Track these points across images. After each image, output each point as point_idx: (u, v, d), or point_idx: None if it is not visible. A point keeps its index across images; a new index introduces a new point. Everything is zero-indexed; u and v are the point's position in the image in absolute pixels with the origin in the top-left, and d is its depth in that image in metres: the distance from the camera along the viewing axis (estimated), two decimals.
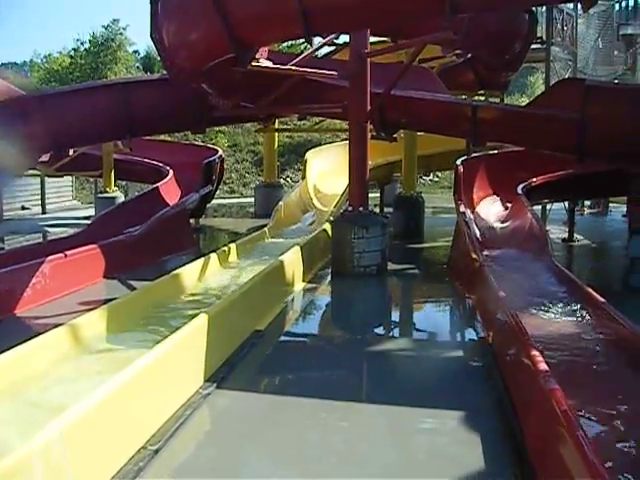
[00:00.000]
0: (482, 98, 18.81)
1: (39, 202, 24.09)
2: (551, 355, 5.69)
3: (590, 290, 7.92)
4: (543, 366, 5.02)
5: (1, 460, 3.60)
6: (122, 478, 4.46)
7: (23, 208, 23.43)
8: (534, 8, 14.78)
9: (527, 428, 5.00)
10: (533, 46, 16.79)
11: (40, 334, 6.59)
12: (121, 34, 42.01)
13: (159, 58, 12.09)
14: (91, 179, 26.60)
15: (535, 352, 5.32)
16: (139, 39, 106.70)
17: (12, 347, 6.02)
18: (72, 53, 42.73)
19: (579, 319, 7.43)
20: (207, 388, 6.17)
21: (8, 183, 19.63)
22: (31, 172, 18.51)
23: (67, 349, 6.65)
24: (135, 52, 47.95)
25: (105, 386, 4.78)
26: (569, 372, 5.66)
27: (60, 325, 6.91)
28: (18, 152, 13.91)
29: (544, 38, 18.26)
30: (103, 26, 41.93)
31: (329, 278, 11.65)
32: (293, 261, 10.79)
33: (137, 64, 45.48)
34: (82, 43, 41.96)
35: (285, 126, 28.61)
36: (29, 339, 6.32)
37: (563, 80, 16.37)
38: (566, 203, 16.40)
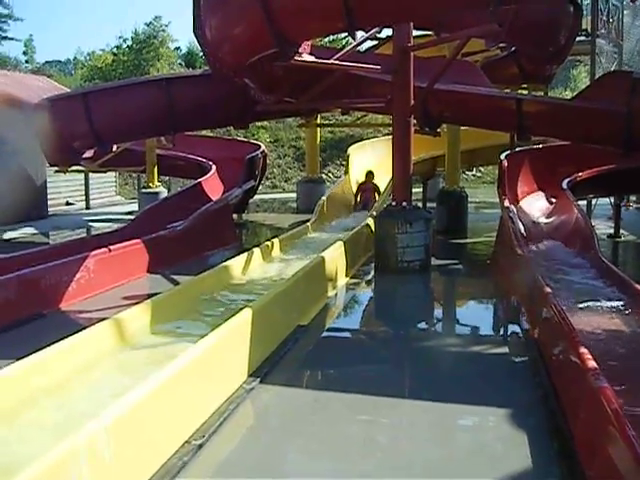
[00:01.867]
0: (525, 92, 18.59)
1: (83, 197, 24.34)
2: (600, 352, 5.58)
3: (638, 286, 7.78)
4: (592, 363, 4.93)
5: (47, 454, 3.62)
6: (166, 473, 4.47)
7: (67, 203, 23.70)
8: None
9: (575, 427, 4.91)
10: (578, 38, 16.57)
11: (85, 328, 6.64)
12: (163, 31, 42.44)
13: (201, 54, 12.16)
14: (134, 174, 26.90)
15: (583, 349, 5.22)
16: (181, 36, 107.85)
17: (57, 341, 6.07)
18: (115, 50, 43.26)
19: (627, 316, 7.29)
20: (251, 383, 6.16)
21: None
22: (75, 168, 18.67)
23: (111, 343, 6.69)
24: (177, 49, 48.47)
25: (149, 381, 4.79)
26: (618, 370, 5.55)
27: (104, 319, 6.96)
28: (62, 147, 14.09)
29: (589, 30, 18.03)
30: (145, 23, 42.45)
31: (372, 273, 11.61)
32: (336, 256, 10.76)
33: (179, 61, 45.88)
34: (125, 40, 42.49)
35: (327, 121, 28.58)
36: (74, 333, 6.37)
37: (610, 73, 16.14)
38: (612, 198, 16.16)
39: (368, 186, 17.90)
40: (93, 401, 5.30)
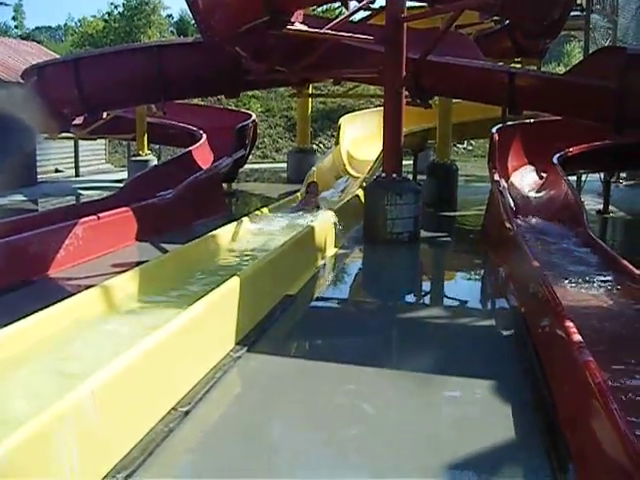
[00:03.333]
0: (519, 66, 18.55)
1: (72, 165, 24.22)
2: (585, 326, 5.61)
3: (625, 262, 7.82)
4: (577, 337, 4.96)
5: (34, 419, 3.63)
6: (153, 439, 4.49)
7: (57, 171, 23.58)
8: None
9: (559, 400, 4.96)
10: (572, 13, 16.51)
11: (73, 295, 6.64)
12: None
13: (193, 22, 12.08)
14: (124, 142, 26.74)
15: (569, 323, 5.26)
16: (173, 3, 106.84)
17: (45, 307, 6.07)
18: (106, 17, 42.90)
19: (614, 291, 7.34)
20: (238, 351, 6.18)
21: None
22: (64, 135, 18.58)
23: (99, 310, 6.69)
24: (169, 16, 48.21)
25: (136, 347, 4.80)
26: (603, 344, 5.58)
27: (92, 286, 6.95)
28: (51, 114, 14.01)
29: (584, 5, 17.97)
30: None
31: (361, 244, 11.62)
32: (325, 226, 10.76)
33: (171, 28, 45.61)
34: (116, 7, 42.21)
35: (319, 91, 28.45)
36: (62, 300, 6.37)
37: (603, 48, 16.14)
38: (602, 174, 16.18)
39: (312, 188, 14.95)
40: (76, 369, 5.29)
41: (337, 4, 20.10)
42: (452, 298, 9.15)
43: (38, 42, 33.11)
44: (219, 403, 5.23)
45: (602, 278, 7.75)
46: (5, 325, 5.51)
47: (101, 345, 5.93)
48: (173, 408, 4.93)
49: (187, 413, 4.91)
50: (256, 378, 5.88)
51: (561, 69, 35.10)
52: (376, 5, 15.78)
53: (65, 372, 5.24)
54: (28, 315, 5.75)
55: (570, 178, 12.64)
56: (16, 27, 49.73)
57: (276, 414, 5.14)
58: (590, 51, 16.91)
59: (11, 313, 6.00)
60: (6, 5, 47.21)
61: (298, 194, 14.77)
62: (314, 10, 24.69)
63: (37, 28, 55.65)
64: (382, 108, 12.51)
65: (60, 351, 5.66)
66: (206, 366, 5.69)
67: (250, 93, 31.56)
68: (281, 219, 12.35)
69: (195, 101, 22.88)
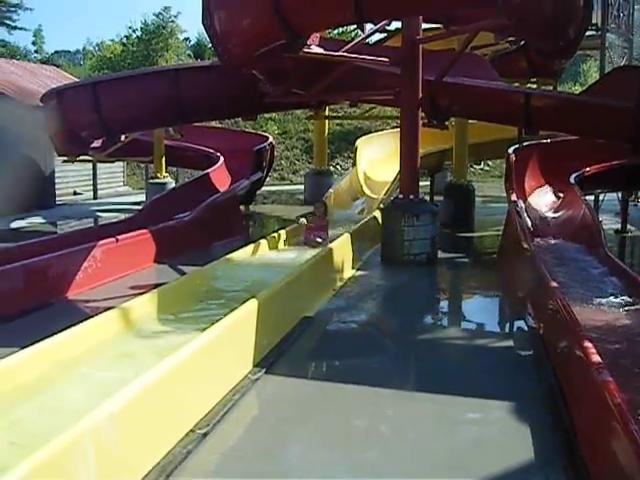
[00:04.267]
0: (534, 86, 18.55)
1: (91, 187, 24.37)
2: (604, 347, 5.58)
3: None
4: (596, 358, 4.93)
5: (53, 440, 3.65)
6: (170, 461, 4.50)
7: (75, 193, 23.73)
8: None
9: (578, 421, 4.93)
10: (588, 33, 16.51)
11: (91, 317, 6.68)
12: (172, 21, 42.47)
13: (210, 45, 12.17)
14: (142, 165, 26.91)
15: (588, 343, 5.23)
16: (190, 27, 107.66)
17: (63, 329, 6.10)
18: (124, 40, 43.23)
19: (633, 311, 7.30)
20: (256, 373, 6.19)
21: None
22: (83, 157, 18.73)
23: (118, 332, 6.72)
24: (186, 39, 48.44)
25: (155, 369, 4.82)
26: (622, 365, 5.55)
27: (111, 308, 6.99)
28: (70, 137, 14.13)
29: (599, 24, 17.95)
30: (155, 14, 42.38)
31: (378, 265, 11.61)
32: (343, 248, 10.78)
33: (188, 51, 45.88)
34: (134, 30, 42.54)
35: (335, 113, 28.55)
36: (80, 321, 6.40)
37: (619, 67, 16.10)
38: (619, 193, 16.12)
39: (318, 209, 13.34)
40: (95, 391, 5.32)
41: (353, 27, 20.22)
42: (470, 319, 9.13)
43: (57, 66, 33.49)
44: (237, 425, 5.24)
45: (621, 298, 7.71)
46: (24, 347, 5.56)
47: (118, 368, 5.95)
48: (191, 430, 4.94)
49: (205, 435, 4.91)
50: (274, 400, 5.88)
51: (577, 89, 35.01)
52: (392, 27, 15.88)
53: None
54: (46, 337, 5.79)
55: (587, 198, 12.61)
56: (36, 52, 50.29)
57: (293, 436, 5.14)
58: (606, 70, 16.91)
59: (29, 336, 6.04)
60: (26, 30, 47.82)
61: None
62: (330, 33, 24.81)
63: (56, 52, 56.18)
64: (398, 129, 12.54)
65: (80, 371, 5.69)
66: (224, 388, 5.70)
67: (267, 115, 31.65)
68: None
69: (212, 124, 23.00)
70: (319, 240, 12.08)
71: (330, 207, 15.92)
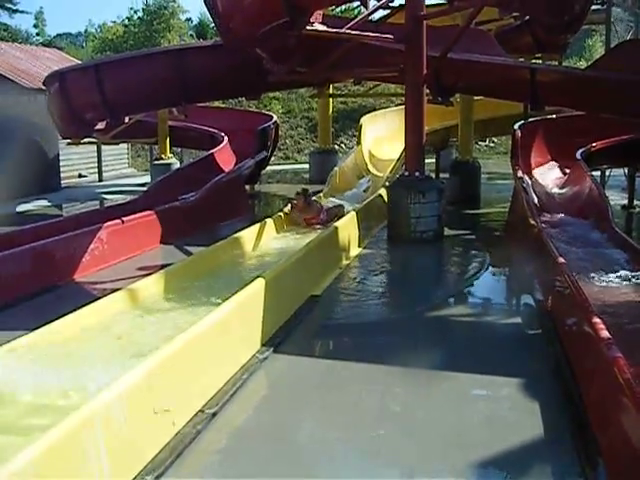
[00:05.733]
0: (540, 61, 18.42)
1: (96, 170, 24.33)
2: (613, 322, 5.56)
3: None
4: (605, 333, 4.92)
5: (64, 420, 3.66)
6: (180, 440, 4.51)
7: (80, 176, 23.69)
8: None
9: (588, 396, 4.92)
10: (593, 7, 16.37)
11: (98, 298, 6.69)
12: (174, 2, 42.14)
13: (212, 25, 12.12)
14: (146, 146, 26.84)
15: (597, 319, 5.21)
16: (192, 7, 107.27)
17: (70, 311, 6.11)
18: (126, 22, 43.05)
19: None
20: (264, 352, 6.19)
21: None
22: (87, 140, 18.69)
23: (125, 313, 6.73)
24: (188, 20, 48.18)
25: (163, 350, 4.83)
26: (632, 340, 5.54)
27: (118, 289, 6.99)
28: (74, 119, 14.09)
29: None
30: None
31: (385, 243, 11.59)
32: (349, 226, 10.76)
33: (190, 32, 45.65)
34: (135, 12, 42.34)
35: (339, 91, 28.42)
36: (87, 303, 6.42)
37: (626, 41, 15.97)
38: (626, 169, 16.03)
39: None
40: (104, 370, 5.33)
41: (356, 3, 20.11)
42: (478, 297, 9.11)
43: (59, 49, 33.33)
44: (246, 404, 5.25)
45: (629, 274, 7.69)
46: (34, 329, 5.58)
47: (126, 348, 5.97)
48: (200, 410, 4.95)
49: (214, 415, 4.92)
50: (282, 379, 5.89)
51: (582, 64, 34.77)
52: (395, 3, 15.78)
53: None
54: (55, 319, 5.81)
55: (594, 173, 12.55)
56: (37, 34, 50.06)
57: (303, 415, 5.15)
58: (612, 45, 16.76)
59: (38, 318, 6.06)
60: (27, 13, 47.63)
61: (321, 194, 14.37)
62: (333, 10, 24.69)
63: (58, 35, 55.92)
64: (403, 107, 12.48)
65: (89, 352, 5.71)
66: (233, 368, 5.70)
67: (271, 94, 31.53)
68: None
69: (216, 103, 22.89)
70: (318, 227, 12.14)
71: (335, 185, 15.91)
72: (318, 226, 12.15)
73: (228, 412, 5.02)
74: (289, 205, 12.81)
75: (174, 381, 4.78)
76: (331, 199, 12.69)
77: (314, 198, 13.06)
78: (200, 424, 4.76)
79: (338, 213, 12.41)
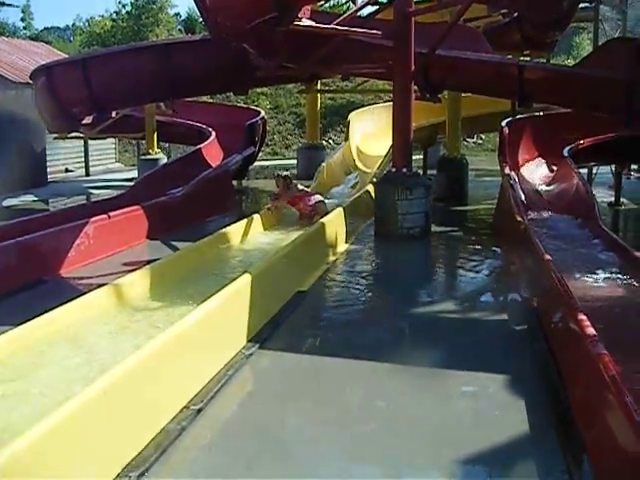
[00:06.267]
0: (528, 59, 18.47)
1: (83, 164, 24.25)
2: (598, 319, 5.56)
3: (637, 254, 7.78)
4: (590, 330, 4.93)
5: (46, 418, 3.64)
6: (165, 437, 4.49)
7: (67, 170, 23.62)
8: None
9: (573, 393, 4.93)
10: (581, 5, 16.42)
11: (84, 294, 6.66)
12: None
13: (201, 20, 12.08)
14: (134, 141, 26.79)
15: (582, 316, 5.23)
16: (180, 1, 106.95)
17: (56, 306, 6.08)
18: (114, 16, 42.97)
19: (627, 284, 7.30)
20: (250, 348, 6.18)
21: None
22: (74, 134, 18.62)
23: (110, 309, 6.71)
24: (176, 14, 48.10)
25: (148, 346, 4.81)
26: (617, 337, 5.54)
27: (104, 285, 6.96)
28: (60, 114, 14.04)
29: None
30: None
31: (372, 240, 11.59)
32: (336, 222, 10.75)
33: (179, 26, 45.60)
34: (124, 6, 42.28)
35: (327, 87, 28.38)
36: (73, 299, 6.39)
37: (613, 39, 16.02)
38: (613, 166, 16.09)
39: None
40: (88, 366, 5.31)
41: None
42: (464, 293, 9.11)
43: (47, 42, 33.24)
44: (231, 400, 5.23)
45: (614, 271, 7.71)
46: (18, 324, 5.55)
47: (111, 344, 5.95)
48: (185, 406, 4.93)
49: (200, 411, 4.90)
50: (268, 375, 5.88)
51: (570, 62, 34.91)
52: (384, 0, 15.75)
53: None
54: (40, 314, 5.78)
55: (581, 171, 12.58)
56: (24, 28, 49.92)
57: (289, 411, 5.13)
58: (600, 43, 16.81)
59: (24, 313, 6.03)
60: (14, 6, 47.38)
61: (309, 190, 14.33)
62: (321, 6, 24.65)
63: (45, 29, 55.84)
64: (391, 103, 12.48)
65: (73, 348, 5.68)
66: (218, 364, 5.68)
67: (259, 90, 31.54)
68: None
69: (204, 99, 22.88)
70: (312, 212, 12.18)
71: (323, 181, 15.89)
72: (312, 211, 12.25)
73: (213, 408, 5.00)
74: (271, 198, 12.84)
75: (159, 377, 4.76)
76: (316, 196, 12.70)
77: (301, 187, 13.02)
78: (185, 420, 4.74)
79: (324, 210, 12.37)
